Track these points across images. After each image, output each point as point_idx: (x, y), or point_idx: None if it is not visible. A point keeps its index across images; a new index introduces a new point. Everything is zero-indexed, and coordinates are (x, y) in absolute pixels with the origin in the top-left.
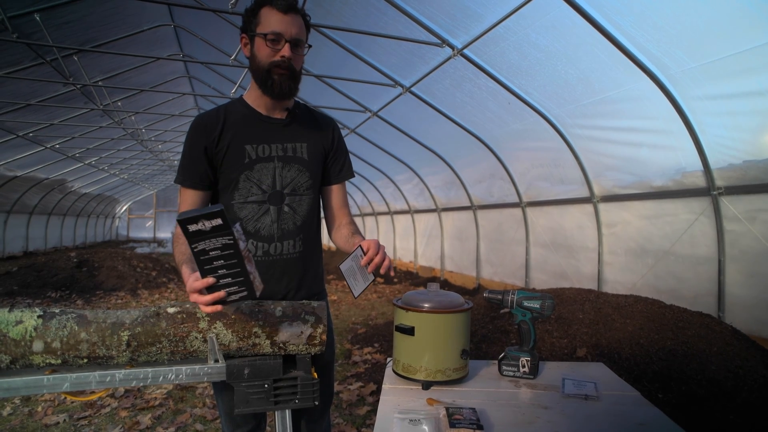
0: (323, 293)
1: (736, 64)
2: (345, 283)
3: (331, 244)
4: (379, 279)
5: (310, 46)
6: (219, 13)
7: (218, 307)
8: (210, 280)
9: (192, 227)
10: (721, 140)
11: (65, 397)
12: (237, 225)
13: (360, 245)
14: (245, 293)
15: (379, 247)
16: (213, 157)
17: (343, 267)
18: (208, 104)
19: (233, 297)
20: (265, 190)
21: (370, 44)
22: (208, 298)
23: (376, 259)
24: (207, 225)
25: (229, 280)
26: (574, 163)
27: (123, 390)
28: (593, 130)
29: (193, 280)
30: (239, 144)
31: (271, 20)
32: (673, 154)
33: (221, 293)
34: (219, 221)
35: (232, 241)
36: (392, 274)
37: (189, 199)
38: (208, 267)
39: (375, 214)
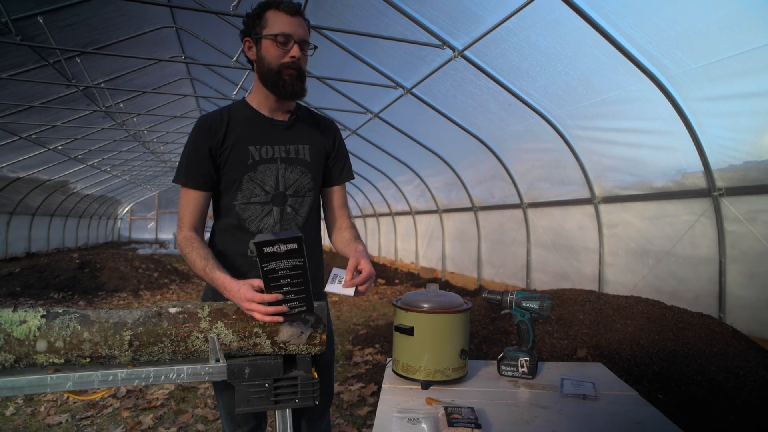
0: (323, 294)
1: (737, 65)
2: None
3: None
4: (380, 280)
5: (315, 48)
6: (221, 15)
7: (278, 318)
8: (277, 296)
9: (267, 249)
10: (721, 141)
11: (68, 397)
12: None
13: (357, 267)
14: (304, 308)
15: (368, 278)
16: (217, 158)
17: (334, 271)
18: (209, 106)
19: (294, 311)
20: (268, 191)
21: (371, 46)
22: (271, 309)
23: (358, 283)
24: (282, 248)
25: (292, 296)
26: (575, 164)
27: (125, 390)
28: (594, 131)
29: (248, 289)
30: (243, 145)
31: (280, 22)
32: (673, 155)
33: (285, 308)
34: (294, 245)
35: (302, 263)
36: (362, 290)
37: (192, 200)
38: (275, 284)
39: (376, 215)
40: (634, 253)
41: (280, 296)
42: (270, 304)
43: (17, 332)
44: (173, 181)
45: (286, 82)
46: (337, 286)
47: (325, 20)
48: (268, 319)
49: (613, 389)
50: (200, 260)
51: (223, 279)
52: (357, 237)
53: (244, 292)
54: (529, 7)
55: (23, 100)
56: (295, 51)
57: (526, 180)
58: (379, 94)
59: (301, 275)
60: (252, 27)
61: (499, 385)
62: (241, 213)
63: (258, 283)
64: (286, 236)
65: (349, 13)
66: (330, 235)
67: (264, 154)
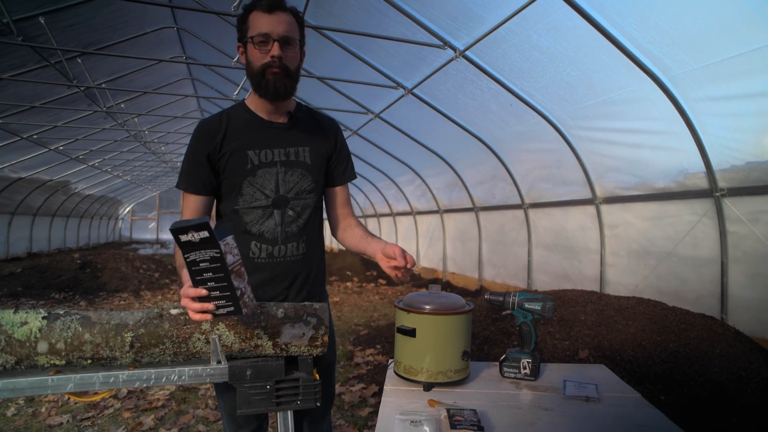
0: (325, 295)
1: (739, 65)
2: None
3: (333, 245)
4: (381, 280)
5: (303, 42)
6: (221, 15)
7: (207, 316)
8: (201, 291)
9: (183, 237)
10: (723, 141)
11: (69, 398)
12: (228, 238)
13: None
14: (231, 308)
15: (404, 253)
16: (216, 163)
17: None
18: (210, 106)
19: (221, 311)
20: (268, 195)
21: (372, 46)
22: (197, 306)
23: (409, 261)
24: (196, 236)
25: (217, 293)
26: (576, 165)
27: (126, 391)
28: (595, 132)
29: (186, 286)
30: (242, 150)
31: (258, 22)
32: (675, 155)
33: (209, 305)
34: (205, 233)
35: (218, 255)
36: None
37: (192, 204)
38: (199, 278)
39: (377, 215)
40: (636, 254)
41: (203, 292)
42: (200, 300)
43: (18, 334)
44: (176, 187)
45: (268, 81)
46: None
47: (325, 20)
48: (197, 317)
49: (616, 391)
50: (180, 259)
51: (183, 277)
52: (369, 232)
53: (184, 288)
54: (531, 7)
55: (24, 101)
56: (274, 50)
57: (528, 180)
58: (380, 95)
59: (220, 269)
60: (240, 32)
61: (501, 387)
62: (243, 217)
63: (188, 284)
64: (196, 222)
65: (350, 13)
66: (335, 234)
67: (263, 158)
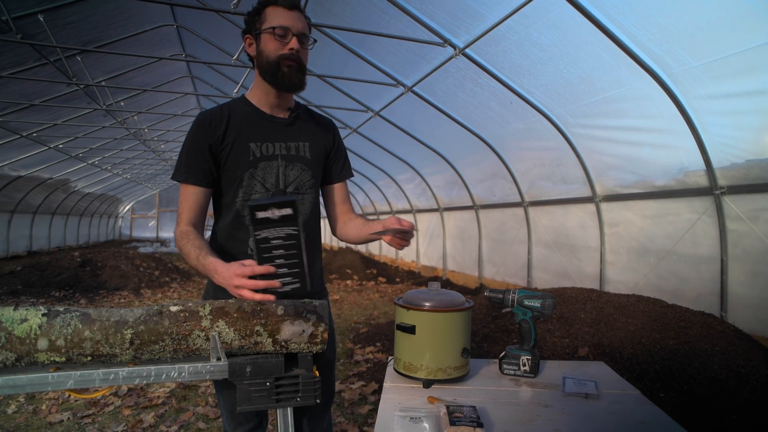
0: (324, 292)
1: (739, 63)
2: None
3: (333, 243)
4: (381, 278)
5: (315, 41)
6: (221, 13)
7: (269, 297)
8: (269, 268)
9: (261, 214)
10: (723, 139)
11: (69, 395)
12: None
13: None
14: (298, 285)
15: (400, 220)
16: (217, 154)
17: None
18: (210, 104)
19: (286, 288)
20: (268, 189)
21: (372, 44)
22: (262, 284)
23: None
24: (276, 214)
25: (285, 270)
26: (576, 163)
27: (126, 388)
28: (595, 130)
29: (238, 265)
30: (243, 142)
31: (278, 16)
32: (675, 153)
33: (276, 282)
34: (289, 211)
35: (296, 232)
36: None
37: (191, 196)
38: (267, 255)
39: (377, 213)
40: (636, 252)
41: (272, 269)
42: (262, 278)
43: (18, 331)
44: (172, 178)
45: (284, 73)
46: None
47: (325, 18)
48: (258, 297)
49: (615, 388)
50: (194, 249)
51: (214, 263)
52: (369, 219)
53: (235, 268)
54: (531, 5)
55: (24, 99)
56: (293, 43)
57: (528, 178)
58: (380, 93)
59: (295, 246)
60: (252, 24)
61: (500, 384)
62: (242, 210)
63: (249, 262)
64: (280, 200)
65: (350, 10)
66: (336, 231)
67: (265, 151)
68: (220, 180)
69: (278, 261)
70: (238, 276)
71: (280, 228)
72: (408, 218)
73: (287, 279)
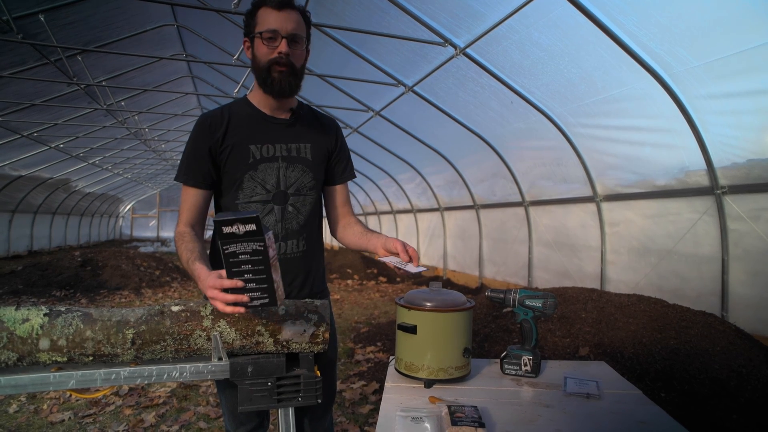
0: (326, 292)
1: (740, 62)
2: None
3: (333, 243)
4: (381, 278)
5: (309, 40)
6: (222, 13)
7: (239, 309)
8: (238, 282)
9: (226, 229)
10: (724, 139)
11: (70, 395)
12: (269, 233)
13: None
14: (266, 300)
15: (406, 246)
16: (217, 156)
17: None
18: (211, 104)
19: (255, 302)
20: (269, 190)
21: (372, 44)
22: (231, 298)
23: (412, 254)
24: (241, 229)
25: (253, 285)
26: (577, 162)
27: (127, 388)
28: (596, 129)
29: (215, 277)
30: (243, 144)
31: (267, 18)
32: (676, 153)
33: (245, 297)
34: (253, 227)
35: (262, 248)
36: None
37: (191, 198)
38: (235, 270)
39: (378, 213)
40: (637, 252)
41: (240, 283)
42: (232, 292)
43: (20, 330)
44: (175, 179)
45: (274, 79)
46: (409, 265)
47: (326, 18)
48: (228, 309)
49: (617, 388)
50: (186, 252)
51: (200, 270)
52: (369, 228)
53: (211, 279)
54: (532, 5)
55: (24, 98)
56: (282, 47)
57: (528, 178)
58: (381, 92)
59: (262, 261)
60: (247, 27)
61: (502, 384)
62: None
63: (224, 274)
64: (244, 216)
65: (351, 10)
66: (334, 233)
67: (265, 153)
68: (221, 181)
69: (247, 276)
70: (212, 288)
71: (247, 243)
72: (408, 218)
73: (256, 294)
